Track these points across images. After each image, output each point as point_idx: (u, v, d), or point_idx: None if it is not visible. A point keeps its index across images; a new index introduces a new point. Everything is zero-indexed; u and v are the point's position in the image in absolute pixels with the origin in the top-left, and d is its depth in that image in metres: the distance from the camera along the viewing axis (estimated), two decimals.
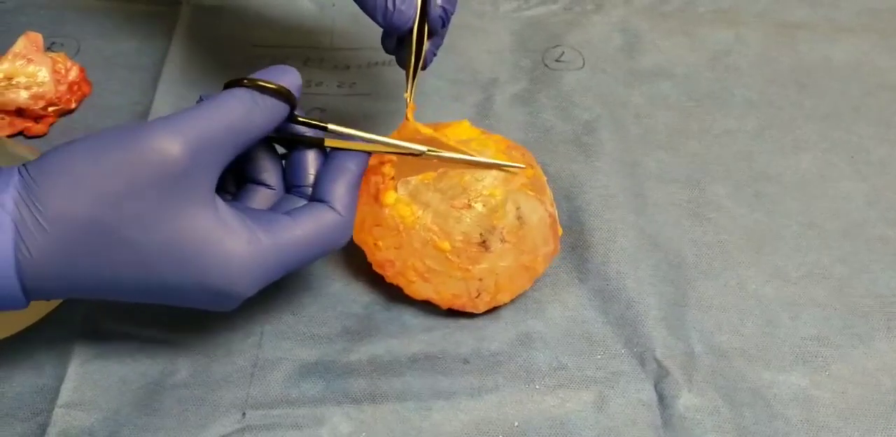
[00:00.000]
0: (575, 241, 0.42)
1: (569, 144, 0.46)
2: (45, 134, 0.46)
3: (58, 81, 0.46)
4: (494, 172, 0.37)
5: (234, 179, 0.35)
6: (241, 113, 0.29)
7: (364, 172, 0.34)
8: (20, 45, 0.45)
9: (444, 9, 0.37)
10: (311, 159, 0.33)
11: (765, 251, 0.42)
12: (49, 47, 0.49)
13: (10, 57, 0.44)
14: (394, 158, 0.38)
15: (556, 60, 0.51)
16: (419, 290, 0.37)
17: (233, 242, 0.29)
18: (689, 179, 0.45)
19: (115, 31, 0.51)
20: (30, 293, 0.28)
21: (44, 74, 0.45)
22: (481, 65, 0.50)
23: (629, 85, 0.50)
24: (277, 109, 0.30)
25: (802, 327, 0.39)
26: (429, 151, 0.35)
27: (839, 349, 0.38)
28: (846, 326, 0.39)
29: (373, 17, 0.37)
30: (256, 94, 0.30)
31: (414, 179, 0.37)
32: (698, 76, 0.51)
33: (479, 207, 0.36)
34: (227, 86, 0.30)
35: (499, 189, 0.37)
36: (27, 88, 0.44)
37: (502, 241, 0.36)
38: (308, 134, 0.33)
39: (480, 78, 0.50)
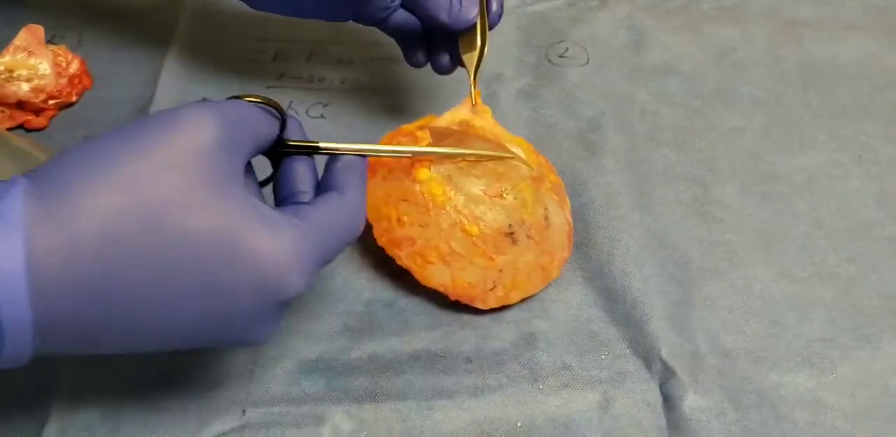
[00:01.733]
0: (579, 239, 0.41)
1: (573, 141, 0.45)
2: (45, 127, 0.45)
3: (58, 74, 0.45)
4: (525, 170, 0.37)
5: None
6: (255, 114, 0.29)
7: (368, 171, 0.32)
8: (21, 37, 0.44)
9: (500, 2, 0.40)
10: (302, 166, 0.32)
11: (772, 251, 0.42)
12: (50, 40, 0.49)
13: (10, 50, 0.44)
14: (429, 137, 0.38)
15: (560, 56, 0.50)
16: (433, 275, 0.37)
17: (280, 229, 0.26)
18: (695, 177, 0.45)
19: (116, 24, 0.51)
20: (39, 328, 0.23)
21: (45, 67, 0.44)
22: (486, 60, 0.50)
23: (634, 82, 0.49)
24: (274, 120, 0.30)
25: (809, 327, 0.39)
26: (415, 152, 0.35)
27: (846, 351, 0.38)
28: (854, 327, 0.39)
29: (434, 17, 0.39)
30: (256, 106, 0.29)
31: (448, 162, 0.37)
32: (704, 74, 0.50)
33: (510, 198, 0.36)
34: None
35: (530, 187, 0.37)
36: (28, 80, 0.44)
37: (528, 237, 0.36)
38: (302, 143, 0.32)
39: (485, 73, 0.49)
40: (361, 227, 0.31)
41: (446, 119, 0.39)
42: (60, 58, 0.46)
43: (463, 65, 0.41)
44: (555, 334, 0.38)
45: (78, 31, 0.50)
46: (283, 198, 0.31)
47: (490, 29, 0.40)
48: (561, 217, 0.38)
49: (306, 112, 0.47)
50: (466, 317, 0.38)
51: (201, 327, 0.26)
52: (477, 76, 0.40)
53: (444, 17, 0.39)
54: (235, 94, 0.30)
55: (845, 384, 0.37)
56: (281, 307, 0.27)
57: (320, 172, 0.32)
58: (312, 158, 0.32)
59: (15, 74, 0.44)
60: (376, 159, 0.39)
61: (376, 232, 0.38)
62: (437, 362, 0.36)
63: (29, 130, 0.45)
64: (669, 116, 0.48)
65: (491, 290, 0.37)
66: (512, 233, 0.36)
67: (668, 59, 0.51)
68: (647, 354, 0.37)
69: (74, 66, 0.47)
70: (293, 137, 0.32)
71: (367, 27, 0.52)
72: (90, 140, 0.25)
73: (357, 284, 0.39)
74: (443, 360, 0.37)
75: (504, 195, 0.36)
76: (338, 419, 0.34)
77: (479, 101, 0.40)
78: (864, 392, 0.36)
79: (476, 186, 0.36)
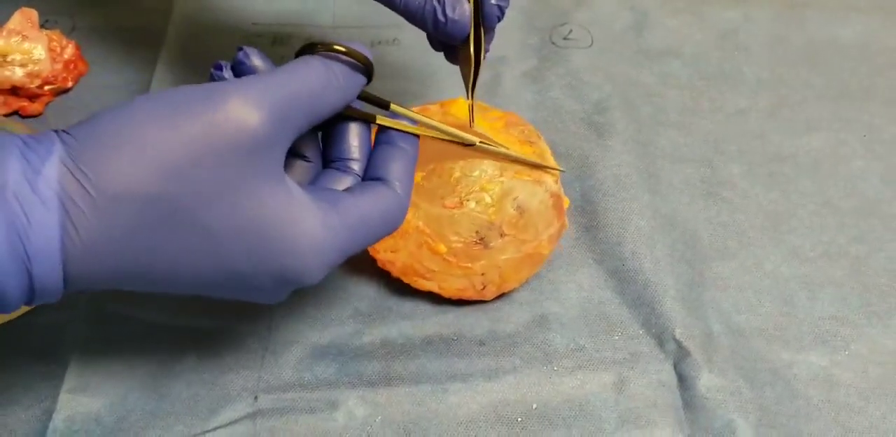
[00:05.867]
0: (588, 221, 0.41)
1: (580, 124, 0.45)
2: (40, 114, 0.45)
3: (53, 59, 0.44)
4: (486, 164, 0.36)
5: None
6: (319, 85, 0.26)
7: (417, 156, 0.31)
8: (15, 21, 0.43)
9: (499, 6, 0.35)
10: (356, 133, 0.30)
11: (780, 231, 0.41)
12: (43, 25, 0.48)
13: (4, 33, 0.43)
14: None
15: (564, 38, 0.50)
16: (424, 285, 0.37)
17: (310, 223, 0.26)
18: (703, 158, 0.44)
19: (110, 8, 0.50)
20: (70, 283, 0.24)
21: (39, 52, 0.43)
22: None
23: (639, 64, 0.49)
24: (355, 81, 0.28)
25: (820, 306, 0.39)
26: (480, 142, 0.33)
27: (858, 328, 0.38)
28: (864, 304, 0.39)
29: (422, 28, 0.35)
30: (334, 64, 0.27)
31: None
32: (707, 55, 0.50)
33: (472, 204, 0.35)
34: (302, 52, 0.28)
35: (492, 183, 0.35)
36: (22, 65, 0.43)
37: (502, 235, 0.35)
38: (362, 109, 0.31)
39: (488, 56, 0.48)
40: (400, 223, 0.29)
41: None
42: (55, 42, 0.45)
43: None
44: (567, 316, 0.38)
45: (71, 17, 0.49)
46: (332, 160, 0.30)
47: (488, 31, 0.36)
48: (539, 195, 0.36)
49: None
50: (477, 301, 0.38)
51: (217, 290, 0.26)
52: (474, 92, 0.36)
53: (429, 29, 0.35)
54: (318, 42, 0.27)
55: (858, 361, 0.37)
56: (294, 289, 0.27)
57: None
58: (366, 124, 0.31)
59: (9, 59, 0.43)
60: None
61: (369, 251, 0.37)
62: (450, 346, 0.36)
63: (24, 117, 0.44)
64: (674, 97, 0.47)
65: (483, 289, 0.36)
66: (481, 239, 0.35)
67: (671, 41, 0.50)
68: (660, 334, 0.37)
69: (69, 51, 0.45)
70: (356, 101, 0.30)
71: (365, 10, 0.51)
72: (126, 104, 0.24)
73: (366, 269, 0.39)
74: (456, 343, 0.36)
75: (464, 203, 0.35)
76: (352, 404, 0.34)
77: (474, 119, 0.36)
78: (876, 369, 0.36)
79: (433, 201, 0.35)
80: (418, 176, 0.36)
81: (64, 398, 0.33)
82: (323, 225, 0.26)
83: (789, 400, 0.35)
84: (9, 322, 0.35)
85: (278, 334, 0.36)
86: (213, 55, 0.48)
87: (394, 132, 0.30)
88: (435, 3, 0.34)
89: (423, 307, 0.38)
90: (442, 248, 0.35)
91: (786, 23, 0.52)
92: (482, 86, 0.47)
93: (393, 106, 0.30)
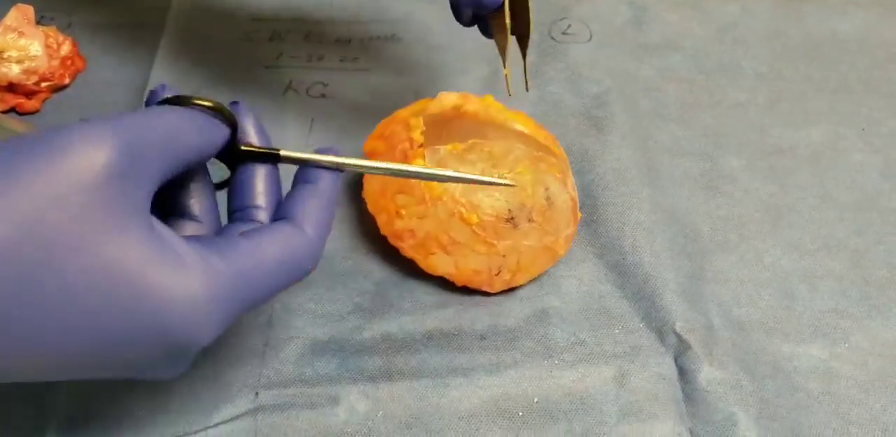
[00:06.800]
0: (589, 215, 0.41)
1: (579, 118, 0.45)
2: (38, 111, 0.44)
3: (50, 56, 0.44)
4: (522, 148, 0.37)
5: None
6: (176, 125, 0.24)
7: (337, 196, 0.28)
8: (11, 17, 0.43)
9: None
10: (261, 176, 0.28)
11: (780, 224, 0.41)
12: (39, 21, 0.47)
13: (0, 30, 0.43)
14: (422, 125, 0.37)
15: (563, 33, 0.50)
16: (437, 264, 0.36)
17: (188, 273, 0.22)
18: (702, 152, 0.44)
19: (108, 5, 0.50)
20: None
21: (36, 48, 0.43)
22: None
23: (638, 58, 0.49)
24: (217, 129, 0.26)
25: (820, 299, 0.39)
26: (400, 170, 0.29)
27: (857, 321, 0.38)
28: (863, 297, 0.39)
29: None
30: (191, 111, 0.25)
31: (442, 149, 0.36)
32: (707, 49, 0.50)
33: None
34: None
35: (528, 168, 0.36)
36: (19, 62, 0.43)
37: (530, 220, 0.36)
38: (260, 151, 0.28)
39: (486, 51, 0.48)
40: (310, 267, 0.27)
41: (438, 104, 0.39)
42: (51, 39, 0.45)
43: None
44: (567, 311, 0.38)
45: (68, 13, 0.49)
46: (235, 210, 0.28)
47: None
48: (564, 194, 0.37)
49: (307, 92, 0.46)
50: (477, 296, 0.38)
51: (100, 366, 0.23)
52: (508, 61, 0.36)
53: None
54: (175, 95, 0.26)
55: (858, 354, 0.37)
56: (189, 355, 0.24)
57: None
58: (276, 165, 0.28)
59: (5, 55, 0.43)
60: (372, 149, 0.39)
61: (379, 224, 0.37)
62: (451, 341, 0.36)
63: (21, 114, 0.44)
64: (674, 91, 0.47)
65: (496, 275, 0.36)
66: (512, 218, 0.35)
67: (671, 35, 0.50)
68: (660, 328, 0.37)
69: (66, 48, 0.45)
70: (252, 140, 0.28)
71: (363, 5, 0.51)
72: None
73: (366, 264, 0.39)
74: (456, 338, 0.36)
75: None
76: (353, 399, 0.34)
77: (511, 90, 0.37)
78: (876, 361, 0.37)
79: (472, 173, 0.35)
80: (459, 146, 0.36)
81: (64, 394, 0.33)
82: (204, 274, 0.23)
83: (790, 393, 0.35)
84: None
85: (278, 330, 0.36)
86: (211, 51, 0.48)
87: (310, 169, 0.28)
88: None
89: (424, 302, 0.37)
90: (474, 218, 0.35)
91: (785, 16, 0.52)
92: (482, 80, 0.47)
93: (283, 153, 0.28)
